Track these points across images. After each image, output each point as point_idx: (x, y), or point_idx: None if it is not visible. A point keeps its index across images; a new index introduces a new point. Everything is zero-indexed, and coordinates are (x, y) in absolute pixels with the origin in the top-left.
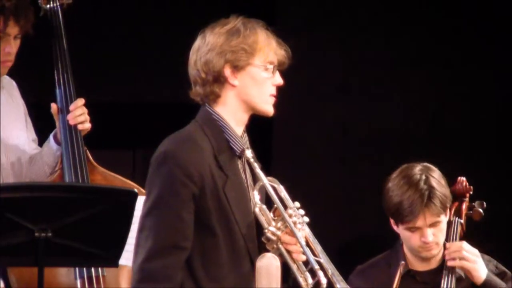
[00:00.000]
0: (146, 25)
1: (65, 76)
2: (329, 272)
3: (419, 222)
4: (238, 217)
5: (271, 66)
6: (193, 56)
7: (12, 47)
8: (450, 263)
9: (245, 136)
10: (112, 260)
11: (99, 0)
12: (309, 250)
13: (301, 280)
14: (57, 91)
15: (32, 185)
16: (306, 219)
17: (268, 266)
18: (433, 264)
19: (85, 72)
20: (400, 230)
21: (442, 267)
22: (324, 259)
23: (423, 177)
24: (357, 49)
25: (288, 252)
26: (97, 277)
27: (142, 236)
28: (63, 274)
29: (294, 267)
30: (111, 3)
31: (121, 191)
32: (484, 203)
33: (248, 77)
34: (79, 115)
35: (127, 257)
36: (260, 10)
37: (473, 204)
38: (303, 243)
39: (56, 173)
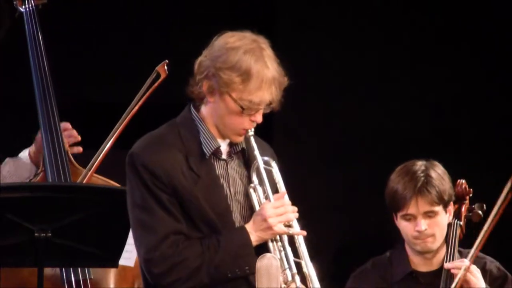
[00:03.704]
0: (147, 26)
1: (43, 76)
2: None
3: (412, 209)
4: (213, 217)
5: (252, 105)
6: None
7: None
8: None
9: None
10: (112, 260)
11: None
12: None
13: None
14: (36, 91)
15: (32, 185)
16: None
17: (268, 266)
18: (435, 265)
19: (86, 73)
20: (398, 222)
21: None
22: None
23: (423, 167)
24: (357, 49)
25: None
26: (84, 280)
27: (138, 235)
28: (48, 277)
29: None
30: (112, 4)
31: (121, 191)
32: (484, 205)
33: (223, 104)
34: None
35: (126, 257)
36: (260, 10)
37: (473, 206)
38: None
39: (39, 176)
